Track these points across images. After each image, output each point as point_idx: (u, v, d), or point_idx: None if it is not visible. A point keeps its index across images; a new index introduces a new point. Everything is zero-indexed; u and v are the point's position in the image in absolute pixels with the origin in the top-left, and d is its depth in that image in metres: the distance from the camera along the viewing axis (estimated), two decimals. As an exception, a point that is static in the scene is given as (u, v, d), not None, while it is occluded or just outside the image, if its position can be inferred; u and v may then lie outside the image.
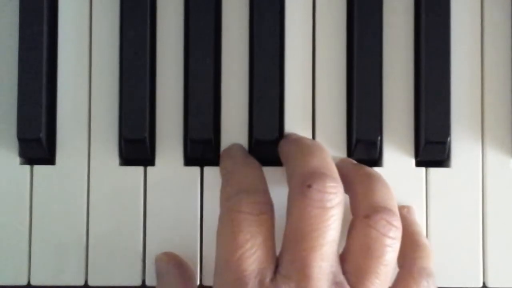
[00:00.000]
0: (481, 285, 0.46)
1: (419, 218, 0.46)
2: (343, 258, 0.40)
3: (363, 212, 0.41)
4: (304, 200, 0.39)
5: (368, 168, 0.44)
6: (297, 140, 0.45)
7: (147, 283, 0.45)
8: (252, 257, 0.39)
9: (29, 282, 0.45)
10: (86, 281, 0.45)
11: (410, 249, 0.43)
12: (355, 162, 0.46)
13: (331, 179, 0.40)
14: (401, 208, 0.45)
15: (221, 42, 0.46)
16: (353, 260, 0.40)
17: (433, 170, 0.46)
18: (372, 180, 0.43)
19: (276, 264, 0.40)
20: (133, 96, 0.45)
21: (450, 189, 0.46)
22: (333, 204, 0.39)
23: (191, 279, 0.44)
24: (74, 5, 0.46)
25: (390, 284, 0.41)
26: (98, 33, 0.46)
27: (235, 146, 0.46)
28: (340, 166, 0.43)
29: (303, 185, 0.39)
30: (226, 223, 0.40)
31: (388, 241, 0.40)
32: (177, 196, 0.45)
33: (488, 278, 0.46)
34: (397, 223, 0.40)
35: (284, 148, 0.45)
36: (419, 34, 0.46)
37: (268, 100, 0.45)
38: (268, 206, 0.40)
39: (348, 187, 0.42)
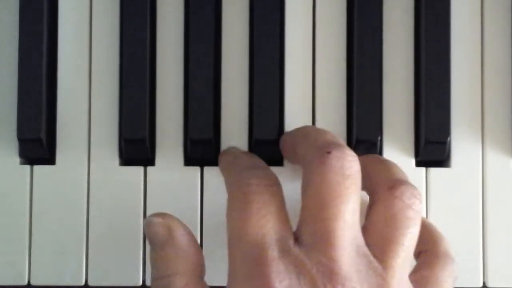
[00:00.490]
0: (481, 285, 0.46)
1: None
2: (365, 232, 0.39)
3: (386, 185, 0.40)
4: (324, 167, 0.38)
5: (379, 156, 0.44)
6: (302, 127, 0.44)
7: (147, 283, 0.45)
8: (268, 224, 0.38)
9: (29, 282, 0.45)
10: (86, 281, 0.45)
11: (431, 237, 0.43)
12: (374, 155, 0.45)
13: (347, 148, 0.39)
14: None
15: (221, 42, 0.46)
16: (377, 231, 0.39)
17: (433, 170, 0.46)
18: (388, 162, 0.43)
19: (295, 237, 0.38)
20: (133, 96, 0.45)
21: (450, 189, 0.46)
22: (352, 172, 0.38)
23: (197, 245, 0.41)
24: (74, 5, 0.46)
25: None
26: (98, 33, 0.46)
27: (230, 147, 0.46)
28: None
29: (323, 151, 0.38)
30: (236, 196, 0.39)
31: (412, 214, 0.39)
32: (177, 196, 0.45)
33: (488, 278, 0.46)
34: (420, 197, 0.40)
35: (288, 138, 0.44)
36: (419, 34, 0.46)
37: (268, 100, 0.45)
38: (276, 180, 0.40)
39: (363, 172, 0.41)
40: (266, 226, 0.37)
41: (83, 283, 0.45)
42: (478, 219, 0.46)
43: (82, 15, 0.46)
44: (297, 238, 0.38)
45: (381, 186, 0.40)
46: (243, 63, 0.46)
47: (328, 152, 0.38)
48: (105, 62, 0.46)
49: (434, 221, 0.46)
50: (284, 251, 0.37)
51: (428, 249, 0.42)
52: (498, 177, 0.46)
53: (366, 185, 0.41)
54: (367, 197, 0.41)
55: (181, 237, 0.40)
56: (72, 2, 0.46)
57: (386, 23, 0.46)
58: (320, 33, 0.46)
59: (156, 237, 0.40)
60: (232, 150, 0.45)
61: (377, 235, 0.39)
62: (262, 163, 0.43)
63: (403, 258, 0.38)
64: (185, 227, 0.41)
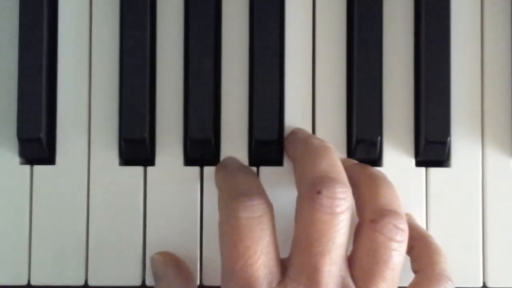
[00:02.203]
0: (481, 285, 0.46)
1: (419, 218, 0.46)
2: (350, 262, 0.40)
3: (369, 217, 0.41)
4: (313, 206, 0.39)
5: (372, 169, 0.44)
6: (305, 140, 0.44)
7: (147, 283, 0.45)
8: (257, 263, 0.39)
9: (29, 282, 0.45)
10: (86, 281, 0.45)
11: (426, 253, 0.43)
12: (357, 162, 0.46)
13: (341, 184, 0.39)
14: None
15: (221, 42, 0.46)
16: (360, 264, 0.40)
17: (433, 170, 0.46)
18: (377, 181, 0.43)
19: (284, 266, 0.40)
20: (133, 96, 0.45)
21: (450, 189, 0.46)
22: (342, 209, 0.39)
23: (190, 279, 0.44)
24: (74, 5, 0.46)
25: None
26: (98, 33, 0.46)
27: (228, 158, 0.46)
28: (344, 167, 0.43)
29: (313, 190, 0.39)
30: (225, 231, 0.40)
31: (394, 245, 0.40)
32: (177, 196, 0.45)
33: (488, 278, 0.46)
34: (404, 225, 0.40)
35: (291, 148, 0.45)
36: (419, 34, 0.46)
37: (268, 100, 0.45)
38: (266, 207, 0.40)
39: (353, 190, 0.42)
40: (255, 265, 0.39)
41: (83, 283, 0.45)
42: (478, 219, 0.46)
43: (82, 15, 0.46)
44: (286, 268, 0.39)
45: (365, 217, 0.41)
46: (243, 63, 0.46)
47: (318, 192, 0.39)
48: (105, 62, 0.46)
49: (434, 221, 0.46)
50: None
51: (423, 269, 0.43)
52: (498, 177, 0.46)
53: (355, 203, 0.42)
54: None
55: (173, 274, 0.44)
56: (72, 2, 0.46)
57: (386, 23, 0.46)
58: (320, 33, 0.46)
59: (156, 272, 0.44)
60: (228, 164, 0.45)
61: (360, 268, 0.40)
62: (254, 184, 0.43)
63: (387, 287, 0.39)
64: (179, 264, 0.44)
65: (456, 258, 0.46)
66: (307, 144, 0.43)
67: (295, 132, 0.46)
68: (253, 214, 0.39)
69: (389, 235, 0.40)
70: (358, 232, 0.41)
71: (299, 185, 0.41)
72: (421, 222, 0.46)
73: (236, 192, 0.41)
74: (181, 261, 0.45)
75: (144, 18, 0.45)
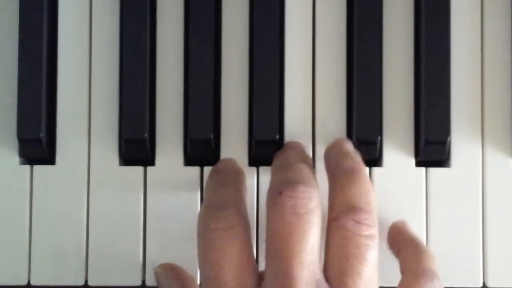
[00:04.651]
0: (481, 285, 0.46)
1: (419, 218, 0.46)
2: (325, 265, 0.39)
3: (332, 214, 0.40)
4: (276, 207, 0.38)
5: (350, 161, 0.43)
6: (283, 154, 0.44)
7: (147, 283, 0.45)
8: (226, 276, 0.38)
9: (29, 282, 0.45)
10: (86, 281, 0.45)
11: (413, 254, 0.43)
12: (346, 149, 0.44)
13: (303, 185, 0.38)
14: (395, 223, 0.45)
15: (221, 42, 0.46)
16: (333, 264, 0.39)
17: (433, 170, 0.46)
18: (349, 177, 0.41)
19: (261, 276, 0.39)
20: (133, 96, 0.45)
21: (450, 189, 0.46)
22: (307, 210, 0.38)
23: (191, 287, 0.44)
24: (74, 5, 0.46)
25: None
26: (98, 33, 0.46)
27: (223, 161, 0.45)
28: (327, 155, 0.43)
29: (275, 193, 0.38)
30: (198, 242, 0.40)
31: (362, 239, 0.39)
32: (177, 196, 0.45)
33: (488, 278, 0.46)
34: (369, 220, 0.39)
35: (272, 162, 0.44)
36: (419, 34, 0.46)
37: (268, 100, 0.45)
38: (238, 219, 0.39)
39: (329, 182, 0.41)
40: (224, 280, 0.38)
41: (83, 283, 0.45)
42: (478, 219, 0.46)
43: (82, 15, 0.46)
44: (263, 278, 0.38)
45: (330, 215, 0.40)
46: (243, 63, 0.46)
47: (280, 193, 0.38)
48: (105, 62, 0.46)
49: (434, 221, 0.46)
50: None
51: (410, 267, 0.42)
52: (498, 177, 0.46)
53: (328, 206, 0.41)
54: None
55: (174, 284, 0.43)
56: (72, 2, 0.46)
57: (386, 23, 0.46)
58: (320, 33, 0.46)
59: (159, 284, 0.44)
60: (219, 170, 0.44)
61: (334, 268, 0.39)
62: (229, 194, 0.42)
63: (364, 286, 0.38)
64: (180, 273, 0.44)
65: (456, 258, 0.46)
66: (282, 158, 0.44)
67: (285, 145, 0.45)
68: (222, 225, 0.39)
69: (353, 230, 0.39)
70: (327, 233, 0.40)
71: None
72: (421, 223, 0.46)
73: (210, 203, 0.41)
74: (183, 270, 0.44)
75: (144, 18, 0.45)
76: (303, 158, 0.43)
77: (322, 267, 0.39)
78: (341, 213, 0.39)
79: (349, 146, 0.44)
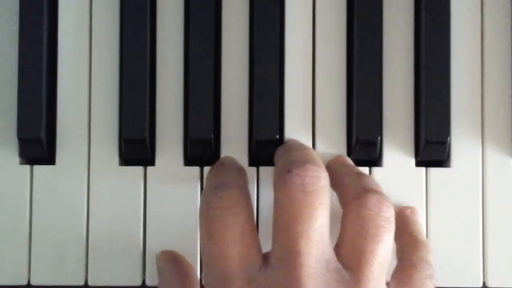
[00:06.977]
0: (481, 285, 0.46)
1: (419, 218, 0.46)
2: (338, 244, 0.39)
3: (352, 195, 0.40)
4: (285, 185, 0.38)
5: (357, 168, 0.44)
6: (286, 143, 0.45)
7: (147, 283, 0.45)
8: (231, 253, 0.38)
9: (29, 282, 0.45)
10: (86, 281, 0.45)
11: (410, 245, 0.43)
12: (347, 163, 0.45)
13: (312, 164, 0.39)
14: (405, 208, 0.45)
15: (221, 42, 0.46)
16: (349, 243, 0.39)
17: (433, 170, 0.46)
18: (360, 173, 0.42)
19: (265, 257, 0.39)
20: (133, 96, 0.45)
21: (450, 189, 0.46)
22: (316, 187, 0.38)
23: (190, 275, 0.44)
24: (74, 5, 0.46)
25: (387, 275, 0.40)
26: (98, 33, 0.46)
27: (224, 157, 0.46)
28: (328, 166, 0.43)
29: (284, 171, 0.39)
30: (200, 222, 0.40)
31: (381, 220, 0.39)
32: (177, 196, 0.45)
33: (488, 278, 0.46)
34: (388, 203, 0.39)
35: (275, 153, 0.45)
36: (419, 34, 0.46)
37: (268, 100, 0.45)
38: (241, 197, 0.39)
39: (335, 184, 0.41)
40: (229, 256, 0.38)
41: (83, 283, 0.45)
42: (478, 219, 0.46)
43: (82, 15, 0.46)
44: (268, 257, 0.38)
45: (348, 197, 0.40)
46: (243, 63, 0.46)
47: (289, 171, 0.38)
48: (105, 62, 0.46)
49: (434, 221, 0.46)
50: (250, 280, 0.38)
51: (405, 257, 0.42)
52: (498, 177, 0.46)
53: (338, 196, 0.42)
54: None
55: (171, 270, 0.44)
56: (72, 2, 0.46)
57: (386, 23, 0.46)
58: (320, 33, 0.46)
59: (157, 269, 0.44)
60: (221, 163, 0.45)
61: (349, 246, 0.39)
62: (230, 175, 0.42)
63: (378, 267, 0.38)
64: (179, 260, 0.44)
65: (456, 258, 0.46)
66: (287, 144, 0.44)
67: (285, 141, 0.46)
68: (225, 203, 0.39)
69: (374, 209, 0.39)
70: (343, 215, 0.40)
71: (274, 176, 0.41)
72: (421, 222, 0.46)
73: (212, 183, 0.41)
74: (183, 258, 0.44)
75: (144, 18, 0.45)
76: (306, 145, 0.44)
77: (333, 248, 0.39)
78: (362, 191, 0.39)
79: (350, 161, 0.45)
